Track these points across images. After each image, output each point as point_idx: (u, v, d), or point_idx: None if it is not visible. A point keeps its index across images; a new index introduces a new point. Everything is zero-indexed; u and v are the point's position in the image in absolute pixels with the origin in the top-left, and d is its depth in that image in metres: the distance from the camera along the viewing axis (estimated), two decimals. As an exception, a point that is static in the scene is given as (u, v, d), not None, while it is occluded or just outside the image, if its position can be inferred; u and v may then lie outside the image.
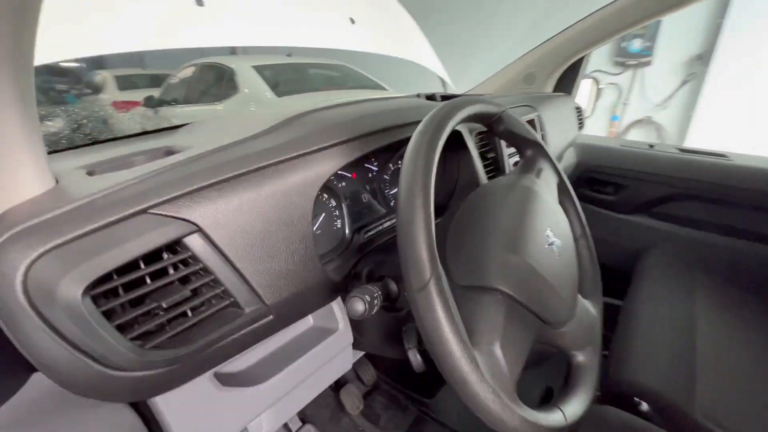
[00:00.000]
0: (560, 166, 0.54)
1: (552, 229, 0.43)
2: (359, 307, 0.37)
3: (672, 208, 1.25)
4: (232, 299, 0.35)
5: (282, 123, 0.46)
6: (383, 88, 3.36)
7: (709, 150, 1.24)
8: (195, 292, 0.34)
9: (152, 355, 0.30)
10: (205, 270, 0.34)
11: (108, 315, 0.30)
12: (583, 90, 1.53)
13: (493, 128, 0.48)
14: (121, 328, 0.30)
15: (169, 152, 0.43)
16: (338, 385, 1.04)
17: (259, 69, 3.32)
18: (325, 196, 0.53)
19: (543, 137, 0.94)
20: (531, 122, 0.90)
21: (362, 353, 0.68)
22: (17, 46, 0.27)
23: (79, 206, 0.29)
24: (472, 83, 1.64)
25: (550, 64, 1.34)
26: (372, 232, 0.56)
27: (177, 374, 0.33)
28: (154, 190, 0.32)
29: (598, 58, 2.86)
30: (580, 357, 0.45)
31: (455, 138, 0.61)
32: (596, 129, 3.07)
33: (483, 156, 0.68)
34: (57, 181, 0.34)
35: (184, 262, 0.33)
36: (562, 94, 1.38)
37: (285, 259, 0.38)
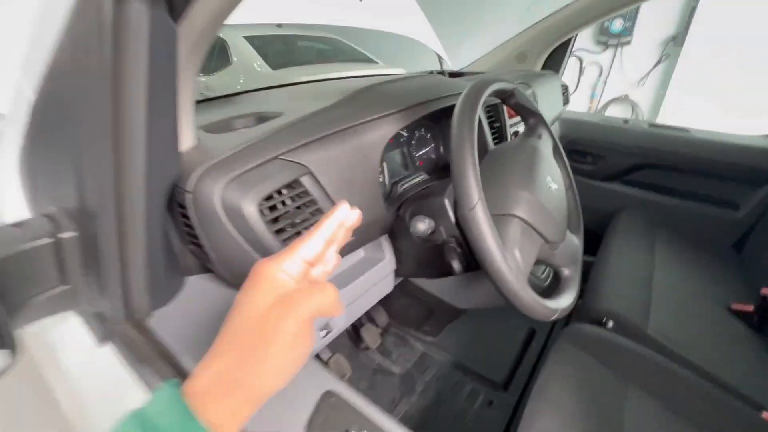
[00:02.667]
0: (554, 133, 0.69)
1: (551, 176, 0.58)
2: (421, 226, 0.52)
3: (641, 175, 1.44)
4: None
5: (350, 96, 0.59)
6: (375, 62, 3.40)
7: (675, 126, 1.42)
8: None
9: None
10: (313, 201, 0.47)
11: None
12: (571, 69, 1.68)
13: (506, 101, 0.62)
14: (275, 233, 0.44)
15: (261, 118, 0.56)
16: (355, 327, 1.21)
17: (250, 39, 3.29)
18: (371, 155, 0.66)
19: (536, 111, 1.08)
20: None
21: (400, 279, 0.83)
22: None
23: (239, 152, 0.42)
24: (467, 60, 1.76)
25: (540, 43, 1.48)
26: (406, 185, 0.70)
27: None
28: (283, 142, 0.45)
29: (582, 37, 2.99)
30: (566, 272, 0.61)
31: None
32: (576, 104, 3.24)
33: (490, 125, 0.82)
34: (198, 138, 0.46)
35: (300, 195, 0.47)
36: (550, 72, 1.52)
37: (362, 196, 0.52)
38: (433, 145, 0.82)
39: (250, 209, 0.40)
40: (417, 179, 0.74)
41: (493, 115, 0.87)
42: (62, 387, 0.64)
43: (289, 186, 0.46)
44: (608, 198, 1.48)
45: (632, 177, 1.46)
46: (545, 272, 0.86)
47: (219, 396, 0.23)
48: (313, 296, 0.25)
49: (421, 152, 0.79)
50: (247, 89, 0.93)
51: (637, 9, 2.82)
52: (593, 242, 1.31)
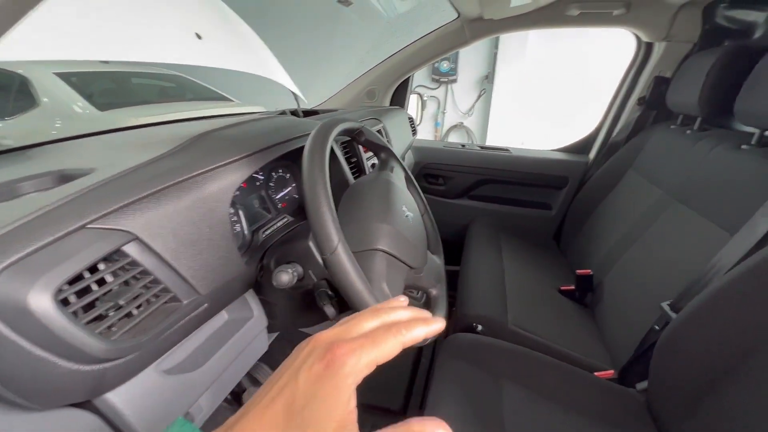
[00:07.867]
0: (405, 164, 0.75)
1: (406, 206, 0.62)
2: (284, 277, 0.48)
3: (482, 190, 1.69)
4: (172, 294, 0.41)
5: (186, 144, 0.52)
6: (229, 100, 3.22)
7: (499, 146, 1.73)
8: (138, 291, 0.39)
9: (119, 343, 0.35)
10: (145, 272, 0.39)
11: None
12: (412, 104, 1.89)
13: (356, 139, 0.64)
14: (91, 323, 0.34)
15: (64, 177, 0.44)
16: (235, 395, 1.06)
17: (65, 77, 2.76)
18: (224, 204, 0.60)
19: (388, 143, 1.17)
20: (378, 132, 1.11)
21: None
22: None
23: (19, 227, 0.32)
24: (321, 98, 1.82)
25: (385, 81, 1.63)
26: (269, 231, 0.66)
27: (134, 364, 0.37)
28: (90, 207, 0.36)
29: (420, 76, 3.45)
30: (434, 291, 0.65)
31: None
32: (425, 133, 3.69)
33: (348, 161, 0.84)
34: None
35: (126, 268, 0.38)
36: (397, 107, 1.69)
37: (212, 255, 0.45)
38: (294, 185, 0.80)
39: (42, 303, 0.30)
40: (280, 223, 0.70)
41: (350, 150, 0.90)
42: None
43: (108, 259, 0.37)
44: (460, 212, 1.69)
45: (476, 192, 1.70)
46: (420, 292, 0.91)
47: None
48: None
49: (282, 194, 0.76)
50: (62, 137, 0.75)
51: (458, 54, 3.40)
52: (454, 252, 1.47)
